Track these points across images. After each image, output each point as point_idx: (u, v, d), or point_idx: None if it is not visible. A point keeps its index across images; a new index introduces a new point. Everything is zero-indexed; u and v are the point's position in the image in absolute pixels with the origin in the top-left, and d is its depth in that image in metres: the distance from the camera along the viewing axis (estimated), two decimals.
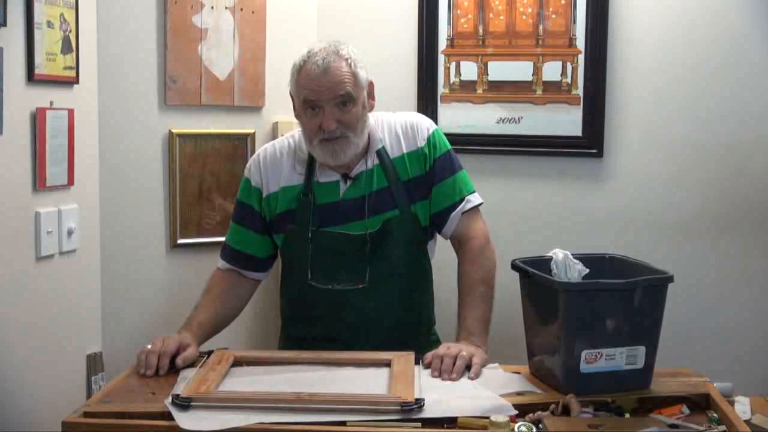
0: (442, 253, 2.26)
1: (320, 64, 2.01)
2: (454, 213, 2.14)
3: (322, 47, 2.05)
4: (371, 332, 2.09)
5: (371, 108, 2.12)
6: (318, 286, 2.08)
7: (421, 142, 2.14)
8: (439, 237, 2.23)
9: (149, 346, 1.91)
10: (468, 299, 2.06)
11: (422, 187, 2.13)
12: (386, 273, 2.09)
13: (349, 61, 2.04)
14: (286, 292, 2.21)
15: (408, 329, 2.14)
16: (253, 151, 2.62)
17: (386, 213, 2.09)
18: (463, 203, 2.15)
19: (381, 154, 2.12)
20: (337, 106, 2.01)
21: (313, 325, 2.14)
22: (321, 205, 2.10)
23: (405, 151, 2.13)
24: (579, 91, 2.69)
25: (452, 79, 2.78)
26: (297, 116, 2.12)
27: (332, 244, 2.08)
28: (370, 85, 2.11)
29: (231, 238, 2.20)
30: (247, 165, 2.20)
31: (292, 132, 2.22)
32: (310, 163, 2.12)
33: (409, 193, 2.11)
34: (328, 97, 2.00)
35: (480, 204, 2.18)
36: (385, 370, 1.82)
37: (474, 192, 2.18)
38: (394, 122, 2.17)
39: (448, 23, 2.77)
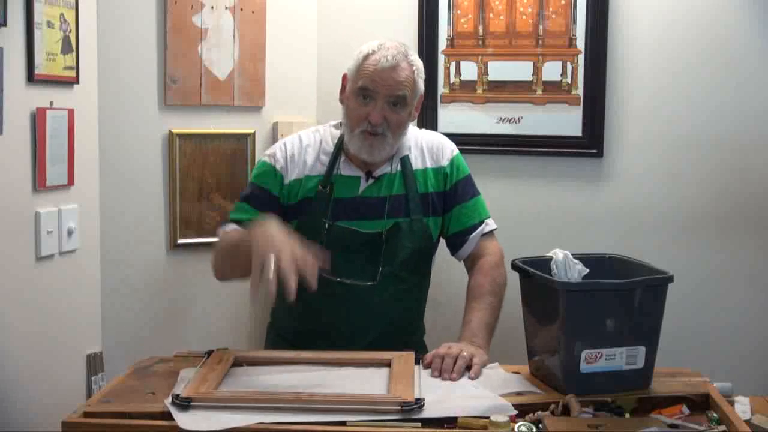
0: (438, 267, 2.28)
1: (390, 59, 2.05)
2: (473, 234, 2.18)
3: (394, 45, 2.10)
4: (368, 330, 2.10)
5: (413, 119, 2.18)
6: (327, 277, 2.08)
7: (445, 162, 2.20)
8: (438, 252, 2.25)
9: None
10: (475, 305, 2.08)
11: (438, 203, 2.17)
12: (394, 274, 2.12)
13: (414, 68, 2.10)
14: None
15: (401, 333, 2.16)
16: (253, 151, 2.63)
17: (398, 219, 2.12)
18: (482, 226, 2.19)
19: (405, 162, 2.16)
20: (389, 104, 2.06)
21: (307, 318, 2.14)
22: (338, 199, 2.11)
23: (428, 166, 2.18)
24: (579, 91, 2.69)
25: (452, 79, 2.78)
26: (343, 99, 2.15)
27: (347, 238, 2.09)
28: (420, 98, 2.16)
29: (239, 216, 2.12)
30: (270, 152, 2.18)
31: (316, 127, 2.25)
32: (335, 156, 2.14)
33: (425, 206, 2.15)
34: (385, 92, 2.05)
35: (495, 229, 2.23)
36: (385, 370, 1.82)
37: (490, 217, 2.23)
38: (421, 138, 2.23)
39: (448, 23, 2.77)
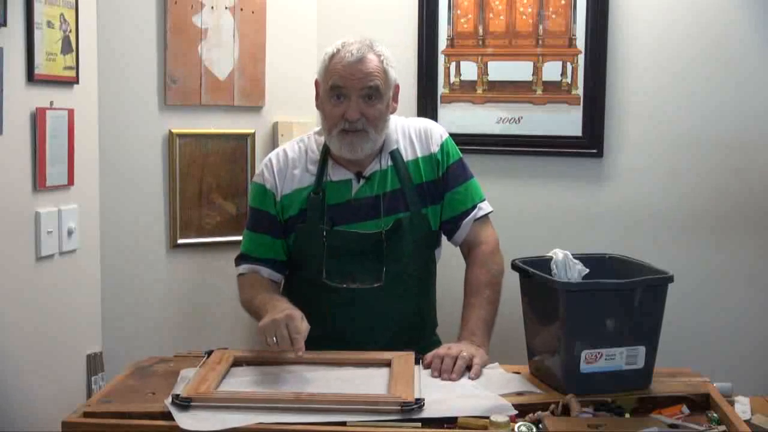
0: (443, 261, 2.27)
1: (355, 53, 2.03)
2: (466, 220, 2.16)
3: (356, 40, 2.08)
4: (379, 332, 2.09)
5: (393, 111, 2.15)
6: (333, 285, 2.08)
7: (435, 148, 2.17)
8: (443, 245, 2.24)
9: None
10: (473, 300, 2.07)
11: (434, 191, 2.15)
12: (399, 272, 2.10)
13: (382, 57, 2.08)
14: (293, 291, 2.20)
15: (414, 330, 2.15)
16: (253, 151, 2.62)
17: (398, 214, 2.10)
18: (475, 211, 2.17)
19: (395, 155, 2.14)
20: (363, 98, 2.03)
21: (319, 325, 2.13)
22: (332, 204, 2.10)
23: (419, 155, 2.16)
24: (579, 91, 2.69)
25: (452, 79, 2.78)
26: (318, 105, 2.13)
27: (347, 243, 2.08)
28: (396, 87, 2.14)
29: (249, 247, 2.17)
30: (258, 171, 2.19)
31: (300, 136, 2.22)
32: (323, 162, 2.12)
33: (421, 197, 2.13)
34: (356, 86, 2.02)
35: (490, 212, 2.20)
36: (385, 370, 1.82)
37: (485, 200, 2.21)
38: (408, 127, 2.20)
39: (448, 23, 2.77)
